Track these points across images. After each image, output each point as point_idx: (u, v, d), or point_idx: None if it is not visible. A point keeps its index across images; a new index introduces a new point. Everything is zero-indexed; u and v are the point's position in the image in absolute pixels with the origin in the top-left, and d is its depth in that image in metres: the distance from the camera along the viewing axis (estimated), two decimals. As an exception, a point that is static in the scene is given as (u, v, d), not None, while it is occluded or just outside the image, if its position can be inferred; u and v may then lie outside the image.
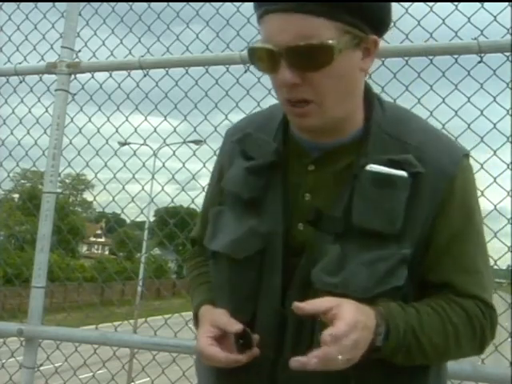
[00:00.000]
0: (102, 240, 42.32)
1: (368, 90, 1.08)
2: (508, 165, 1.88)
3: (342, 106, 1.00)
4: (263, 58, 0.97)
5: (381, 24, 1.02)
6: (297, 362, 0.87)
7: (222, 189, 1.14)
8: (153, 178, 2.92)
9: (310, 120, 0.99)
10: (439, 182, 1.00)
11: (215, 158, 1.28)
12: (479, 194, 1.90)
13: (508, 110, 1.88)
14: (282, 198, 1.05)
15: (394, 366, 0.98)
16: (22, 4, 2.76)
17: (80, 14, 2.50)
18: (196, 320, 1.14)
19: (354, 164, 1.02)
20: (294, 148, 1.09)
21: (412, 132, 1.04)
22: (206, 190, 1.31)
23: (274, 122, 1.13)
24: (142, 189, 2.59)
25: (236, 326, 1.00)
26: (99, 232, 41.86)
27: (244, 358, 1.00)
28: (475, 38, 1.87)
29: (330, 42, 0.93)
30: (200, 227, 1.25)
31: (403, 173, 0.98)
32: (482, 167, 1.91)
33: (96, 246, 43.67)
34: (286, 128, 1.11)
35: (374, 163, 1.00)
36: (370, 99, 1.07)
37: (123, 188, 2.59)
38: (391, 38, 2.00)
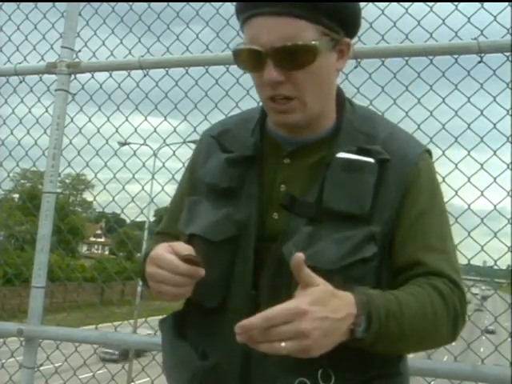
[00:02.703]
0: (102, 240, 42.30)
1: (339, 92, 1.17)
2: (508, 165, 1.88)
3: (320, 102, 1.09)
4: (249, 58, 1.05)
5: (353, 27, 1.11)
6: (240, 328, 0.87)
7: (194, 185, 1.21)
8: (153, 178, 2.92)
9: (293, 116, 1.07)
10: (404, 169, 1.07)
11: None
12: (479, 193, 1.91)
13: (508, 110, 1.89)
14: (257, 189, 1.11)
15: (369, 352, 1.00)
16: (22, 4, 2.76)
17: (80, 14, 2.50)
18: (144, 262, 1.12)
19: (326, 157, 1.09)
20: (270, 143, 1.16)
21: (379, 128, 1.13)
22: (176, 189, 1.34)
23: (251, 121, 1.20)
24: (142, 189, 2.59)
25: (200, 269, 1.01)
26: (99, 232, 41.85)
27: (203, 271, 0.99)
28: (475, 38, 1.87)
29: (313, 42, 1.02)
30: (168, 222, 1.30)
31: (370, 159, 1.06)
32: (481, 167, 1.91)
33: (96, 246, 43.66)
34: (262, 125, 1.18)
35: (344, 152, 1.08)
36: (342, 100, 1.16)
37: (123, 188, 2.59)
38: (391, 38, 2.00)
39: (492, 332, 2.34)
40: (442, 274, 1.03)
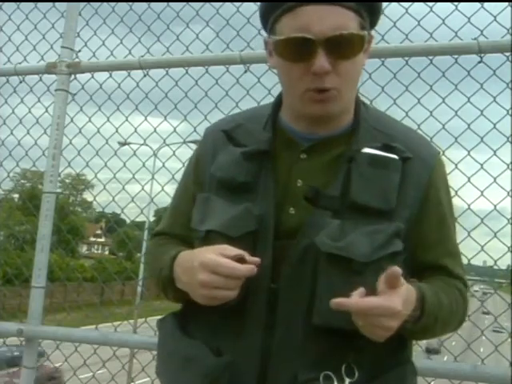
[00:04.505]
0: (102, 240, 42.29)
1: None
2: (508, 165, 1.88)
3: (352, 95, 1.12)
4: (297, 47, 1.03)
5: (375, 24, 1.13)
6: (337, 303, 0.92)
7: (200, 183, 1.19)
8: (153, 178, 2.92)
9: (331, 106, 1.07)
10: (423, 170, 1.10)
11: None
12: (479, 193, 1.91)
13: (508, 110, 1.89)
14: (273, 184, 1.10)
15: (387, 343, 1.02)
16: (22, 4, 2.76)
17: (80, 14, 2.50)
18: (171, 267, 1.12)
19: (345, 153, 1.09)
20: (284, 139, 1.15)
21: (394, 129, 1.15)
22: (176, 187, 1.32)
23: (261, 118, 1.19)
24: (142, 189, 2.59)
25: (256, 258, 1.01)
26: (99, 232, 41.85)
27: (255, 268, 1.00)
28: (475, 38, 1.87)
29: (362, 33, 1.04)
30: (169, 220, 1.28)
31: (395, 156, 1.07)
32: (481, 167, 1.91)
33: (96, 246, 43.66)
34: (274, 121, 1.17)
35: (369, 147, 1.08)
36: (357, 100, 1.17)
37: (123, 188, 2.59)
38: (391, 38, 2.00)
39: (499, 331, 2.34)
40: (458, 277, 1.14)
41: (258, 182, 1.11)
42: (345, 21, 1.02)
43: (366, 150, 1.07)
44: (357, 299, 0.92)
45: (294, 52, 1.04)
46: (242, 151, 1.13)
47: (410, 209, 1.07)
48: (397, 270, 0.92)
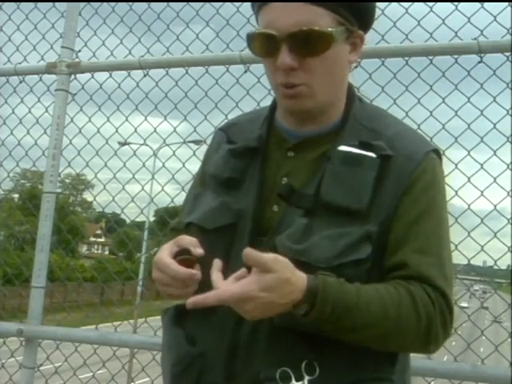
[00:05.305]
0: (102, 240, 42.27)
1: (350, 88, 1.15)
2: (508, 165, 1.88)
3: (330, 92, 1.08)
4: (263, 43, 1.04)
5: (367, 21, 1.11)
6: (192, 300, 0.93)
7: (204, 181, 1.21)
8: (153, 178, 2.92)
9: (302, 101, 1.06)
10: (407, 167, 1.04)
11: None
12: (479, 193, 1.91)
13: (508, 110, 1.89)
14: (258, 180, 1.10)
15: (359, 352, 1.00)
16: (22, 4, 2.76)
17: (80, 14, 2.50)
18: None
19: (329, 150, 1.08)
20: (276, 137, 1.15)
21: (387, 126, 1.11)
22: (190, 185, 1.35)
23: (260, 117, 1.19)
24: (142, 189, 2.59)
25: (199, 250, 1.03)
26: (99, 232, 41.83)
27: (198, 274, 1.01)
28: (475, 38, 1.87)
29: (330, 29, 1.01)
30: (179, 219, 1.30)
31: (372, 154, 1.04)
32: (481, 167, 1.91)
33: (96, 246, 43.65)
34: (271, 120, 1.17)
35: (346, 145, 1.06)
36: (351, 96, 1.14)
37: (123, 188, 2.59)
38: (391, 38, 2.00)
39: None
40: (426, 280, 1.00)
41: (245, 177, 1.11)
42: (312, 17, 1.00)
43: (342, 148, 1.05)
44: (217, 293, 0.93)
45: (261, 48, 1.05)
46: (228, 148, 1.15)
47: (387, 209, 1.02)
48: (248, 252, 0.91)
